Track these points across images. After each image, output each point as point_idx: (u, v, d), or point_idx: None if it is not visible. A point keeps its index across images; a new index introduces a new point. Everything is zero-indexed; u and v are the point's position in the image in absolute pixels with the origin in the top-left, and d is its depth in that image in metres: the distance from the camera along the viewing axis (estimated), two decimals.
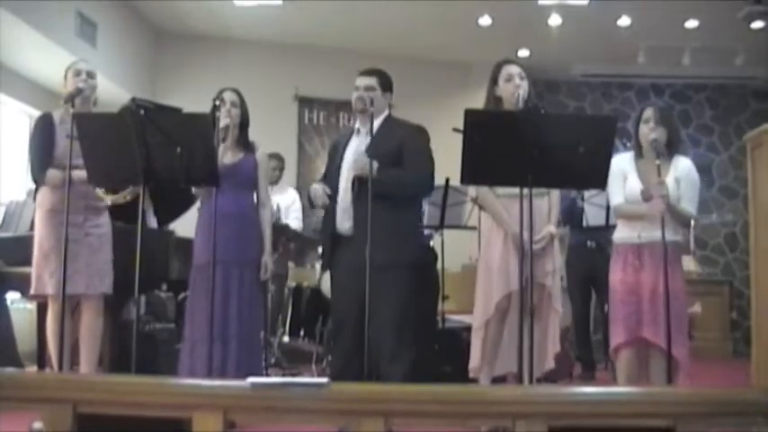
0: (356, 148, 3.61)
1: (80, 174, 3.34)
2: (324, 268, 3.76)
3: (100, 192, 3.87)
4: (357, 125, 3.70)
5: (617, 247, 3.55)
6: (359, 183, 3.46)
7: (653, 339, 3.35)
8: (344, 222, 3.57)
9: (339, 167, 3.65)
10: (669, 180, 3.42)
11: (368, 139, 3.52)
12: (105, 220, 3.86)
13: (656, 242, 3.32)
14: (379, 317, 3.33)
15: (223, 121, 3.72)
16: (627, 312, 3.42)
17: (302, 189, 8.03)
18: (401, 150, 3.55)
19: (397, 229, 3.51)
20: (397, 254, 3.47)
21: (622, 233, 3.54)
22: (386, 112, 3.70)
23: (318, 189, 3.63)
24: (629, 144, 3.75)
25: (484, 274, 3.54)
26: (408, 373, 3.39)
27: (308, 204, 3.85)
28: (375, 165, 3.38)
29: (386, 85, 3.69)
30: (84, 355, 3.76)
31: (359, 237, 3.38)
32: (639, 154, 3.56)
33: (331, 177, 3.70)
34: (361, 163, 3.44)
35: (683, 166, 3.52)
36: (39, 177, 3.69)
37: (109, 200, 3.88)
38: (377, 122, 3.58)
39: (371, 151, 3.43)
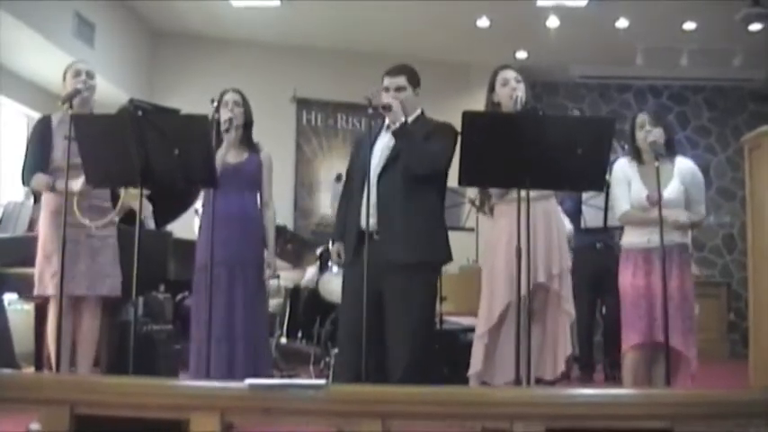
0: (386, 144, 3.49)
1: (61, 184, 3.32)
2: (344, 265, 3.64)
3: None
4: (387, 121, 3.51)
5: (627, 251, 3.55)
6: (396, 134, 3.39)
7: (669, 342, 3.34)
8: (372, 218, 3.41)
9: (365, 164, 3.42)
10: (675, 183, 3.48)
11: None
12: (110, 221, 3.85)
13: (667, 245, 3.33)
14: (401, 318, 3.33)
15: (225, 116, 3.71)
16: (638, 315, 3.42)
17: (299, 190, 8.05)
18: (428, 139, 3.42)
19: (424, 225, 3.43)
20: (422, 252, 3.40)
21: (632, 238, 3.54)
22: (418, 111, 3.55)
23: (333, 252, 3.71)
24: (627, 146, 3.76)
25: (488, 282, 3.49)
26: (415, 377, 3.37)
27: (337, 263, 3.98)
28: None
29: (415, 80, 3.54)
30: (80, 356, 3.77)
31: (383, 233, 3.34)
32: (640, 160, 3.57)
33: (355, 174, 3.58)
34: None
35: (687, 169, 3.55)
36: (27, 180, 3.71)
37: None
38: (409, 120, 3.46)
39: (400, 134, 3.36)
